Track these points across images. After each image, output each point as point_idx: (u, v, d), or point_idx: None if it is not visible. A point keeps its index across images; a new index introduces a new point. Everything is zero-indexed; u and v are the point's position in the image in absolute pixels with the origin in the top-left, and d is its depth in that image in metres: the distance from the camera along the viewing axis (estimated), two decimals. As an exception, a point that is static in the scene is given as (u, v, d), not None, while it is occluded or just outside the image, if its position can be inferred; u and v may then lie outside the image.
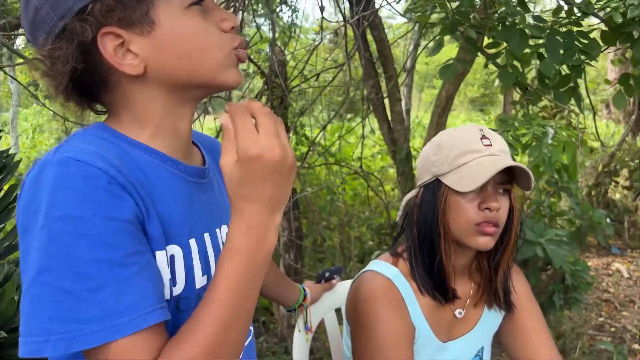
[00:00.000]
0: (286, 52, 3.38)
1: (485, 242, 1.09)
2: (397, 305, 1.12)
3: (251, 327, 0.88)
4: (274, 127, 0.63)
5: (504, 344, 1.28)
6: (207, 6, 0.72)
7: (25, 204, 0.61)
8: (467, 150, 1.09)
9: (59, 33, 0.66)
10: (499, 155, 1.09)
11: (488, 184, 1.09)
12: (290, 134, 3.08)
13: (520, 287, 1.25)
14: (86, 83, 0.70)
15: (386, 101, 3.71)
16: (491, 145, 1.10)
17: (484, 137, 1.11)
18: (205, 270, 0.75)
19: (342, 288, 1.45)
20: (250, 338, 0.88)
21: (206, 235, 0.76)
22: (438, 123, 3.39)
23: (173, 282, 0.70)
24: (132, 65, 0.68)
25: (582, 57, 1.44)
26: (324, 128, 2.75)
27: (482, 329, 1.23)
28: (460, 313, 1.19)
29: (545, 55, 1.41)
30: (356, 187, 4.10)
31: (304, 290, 1.36)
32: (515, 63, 1.46)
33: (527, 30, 1.36)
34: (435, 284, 1.14)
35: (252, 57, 2.97)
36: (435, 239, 1.12)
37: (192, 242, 0.73)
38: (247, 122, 0.62)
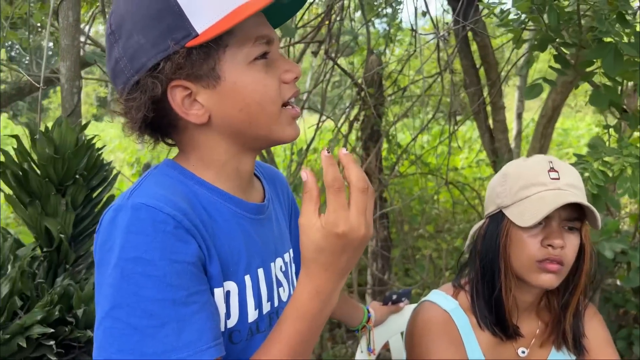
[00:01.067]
0: (383, 59, 3.38)
1: (547, 280, 1.04)
2: (453, 339, 1.09)
3: None
4: (364, 204, 0.66)
5: None
6: (272, 58, 0.76)
7: (101, 242, 0.69)
8: (531, 182, 1.05)
9: (134, 84, 0.73)
10: (565, 190, 1.03)
11: (553, 219, 1.04)
12: (383, 142, 3.08)
13: (595, 331, 1.16)
14: (158, 125, 0.78)
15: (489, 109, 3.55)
16: (559, 178, 1.04)
17: (552, 169, 1.05)
18: (258, 304, 0.80)
19: (409, 311, 1.43)
20: None
21: (260, 271, 0.81)
22: (543, 134, 3.18)
23: (227, 315, 0.76)
24: (197, 115, 0.74)
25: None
26: (415, 138, 2.71)
27: None
28: (523, 352, 1.14)
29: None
30: (455, 196, 3.98)
31: (368, 311, 1.37)
32: (610, 83, 1.33)
33: (621, 49, 1.24)
34: (496, 319, 1.10)
35: (344, 67, 3.00)
36: (496, 272, 1.08)
37: (247, 279, 0.78)
38: (341, 198, 0.65)
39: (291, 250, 0.95)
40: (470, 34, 3.38)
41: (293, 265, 0.94)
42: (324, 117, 2.75)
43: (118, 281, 0.66)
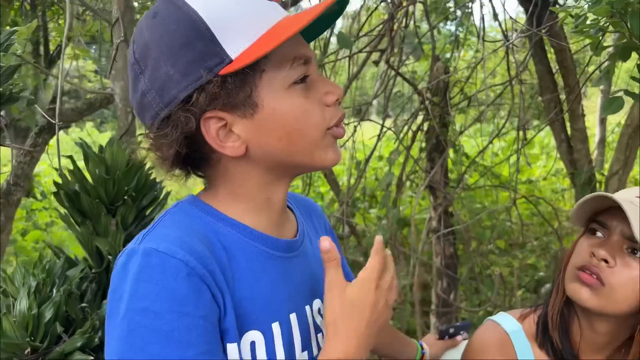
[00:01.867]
0: (452, 66, 3.22)
1: (577, 292, 0.93)
2: None
3: None
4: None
5: None
6: (311, 79, 0.70)
7: (112, 290, 0.65)
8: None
9: (164, 118, 0.67)
10: (633, 203, 0.91)
11: (614, 232, 0.92)
12: (448, 153, 2.93)
13: None
14: (189, 158, 0.72)
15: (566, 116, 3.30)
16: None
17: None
18: (289, 355, 0.72)
19: (468, 348, 1.32)
20: None
21: (292, 317, 0.74)
22: (628, 145, 2.90)
23: None
24: (233, 147, 0.68)
25: None
26: (484, 150, 2.54)
27: None
28: None
29: None
30: (529, 210, 3.73)
31: (422, 347, 1.27)
32: None
33: None
34: (549, 340, 1.00)
35: (408, 76, 2.89)
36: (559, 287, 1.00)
37: (275, 326, 0.71)
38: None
39: None
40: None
41: None
42: (384, 128, 2.66)
43: (125, 334, 0.61)
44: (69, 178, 1.39)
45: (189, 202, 0.74)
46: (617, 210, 0.91)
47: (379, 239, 0.71)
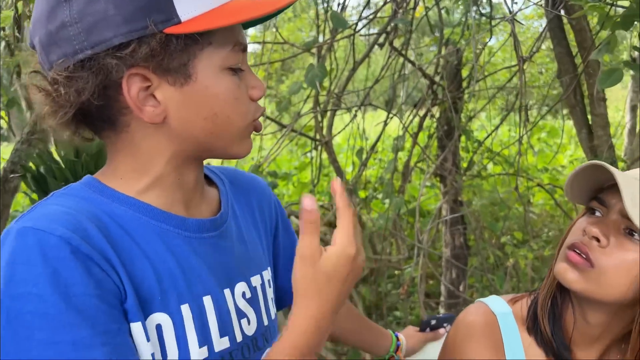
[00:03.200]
0: (461, 46, 3.08)
1: (563, 271, 0.85)
2: (493, 344, 0.91)
3: None
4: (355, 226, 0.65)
5: None
6: (244, 70, 0.69)
7: None
8: None
9: (83, 60, 0.60)
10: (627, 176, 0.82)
11: (612, 211, 0.83)
12: (460, 140, 2.81)
13: None
14: (92, 116, 0.65)
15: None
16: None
17: None
18: (204, 341, 0.66)
19: (449, 341, 1.23)
20: None
21: (206, 300, 0.68)
22: (652, 129, 2.72)
23: (163, 354, 0.63)
24: (152, 113, 0.63)
25: None
26: (492, 132, 2.41)
27: None
28: None
29: None
30: (547, 199, 3.57)
31: (397, 339, 1.19)
32: None
33: None
34: (537, 326, 0.92)
35: (412, 59, 2.78)
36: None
37: (185, 309, 0.65)
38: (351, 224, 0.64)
39: (268, 271, 0.80)
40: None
41: (269, 289, 0.79)
42: (390, 115, 2.56)
43: (5, 325, 0.54)
44: (36, 162, 1.36)
45: (81, 183, 0.68)
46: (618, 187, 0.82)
47: (336, 182, 0.64)
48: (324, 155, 2.62)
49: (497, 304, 0.97)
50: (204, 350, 0.66)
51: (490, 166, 3.12)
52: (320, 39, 2.56)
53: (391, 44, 2.49)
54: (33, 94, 0.64)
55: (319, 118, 2.52)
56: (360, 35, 2.64)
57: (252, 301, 0.75)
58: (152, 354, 0.62)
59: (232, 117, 0.67)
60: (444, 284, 2.72)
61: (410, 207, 3.06)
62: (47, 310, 0.54)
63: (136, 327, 0.61)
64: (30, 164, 1.36)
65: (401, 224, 2.78)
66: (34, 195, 1.40)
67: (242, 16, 0.62)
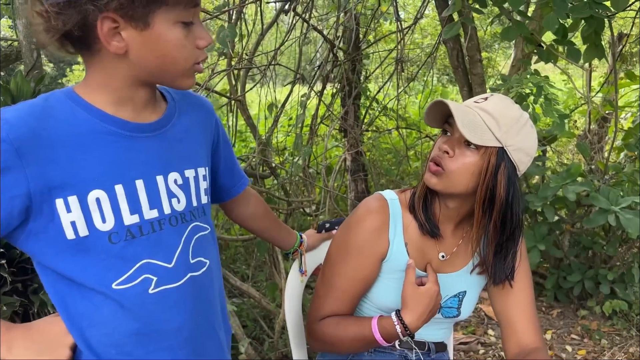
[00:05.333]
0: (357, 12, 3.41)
1: (427, 179, 1.17)
2: (382, 218, 1.23)
3: (206, 260, 1.01)
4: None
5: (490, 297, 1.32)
6: (194, 24, 0.88)
7: None
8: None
9: (70, 1, 0.79)
10: (473, 109, 1.14)
11: (456, 130, 1.15)
12: (359, 97, 3.17)
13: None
14: (73, 39, 0.86)
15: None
16: (484, 100, 1.16)
17: (485, 99, 1.16)
18: (134, 209, 0.89)
19: (340, 239, 1.54)
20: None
21: (138, 182, 0.89)
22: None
23: (103, 219, 0.86)
24: (116, 46, 0.83)
25: (598, 10, 1.35)
26: (380, 89, 2.76)
27: (465, 279, 1.29)
28: (443, 257, 1.26)
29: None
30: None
31: (301, 237, 1.48)
32: (520, 18, 1.40)
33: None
34: (417, 210, 1.24)
35: (317, 25, 3.07)
36: None
37: (119, 188, 0.87)
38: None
39: (204, 169, 1.03)
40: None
41: (204, 182, 1.02)
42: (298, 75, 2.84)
43: None
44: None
45: (63, 90, 0.91)
46: None
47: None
48: (241, 121, 2.82)
49: (388, 193, 1.29)
50: (135, 217, 0.88)
51: (387, 121, 3.50)
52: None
53: (294, 10, 2.76)
54: (32, 17, 0.86)
55: (233, 78, 2.74)
56: (267, 2, 2.87)
57: (184, 187, 0.96)
58: (73, 222, 0.83)
59: (178, 59, 0.86)
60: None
61: (319, 161, 3.39)
62: None
63: (59, 202, 0.82)
64: None
65: (311, 174, 3.09)
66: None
67: None
